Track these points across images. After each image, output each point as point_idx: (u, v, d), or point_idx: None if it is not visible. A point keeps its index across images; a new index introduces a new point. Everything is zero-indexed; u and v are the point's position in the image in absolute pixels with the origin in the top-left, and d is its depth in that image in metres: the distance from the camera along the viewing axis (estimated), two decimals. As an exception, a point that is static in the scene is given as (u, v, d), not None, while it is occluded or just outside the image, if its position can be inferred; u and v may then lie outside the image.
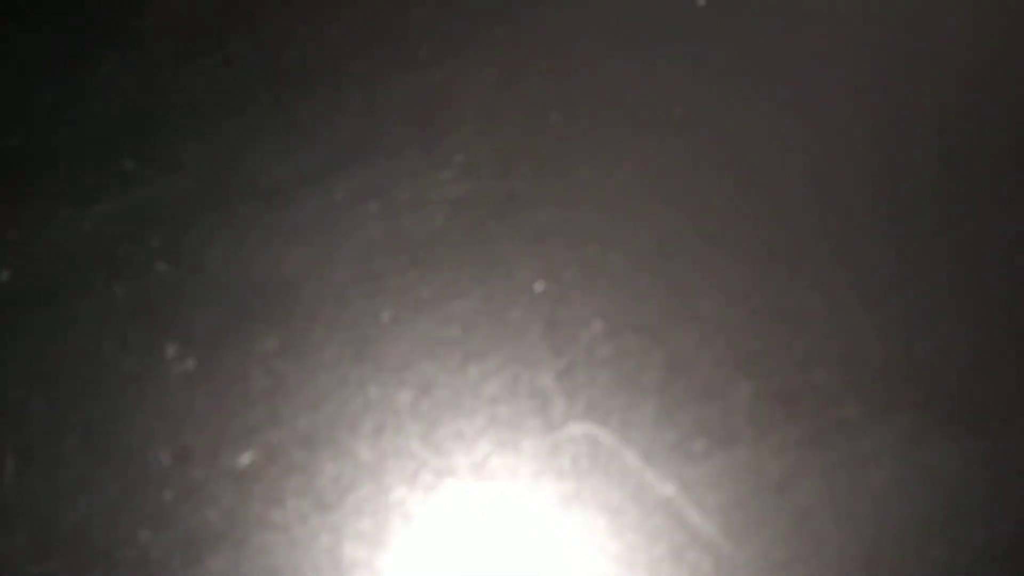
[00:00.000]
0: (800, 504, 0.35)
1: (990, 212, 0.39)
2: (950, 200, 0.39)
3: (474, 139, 0.42)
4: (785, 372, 0.36)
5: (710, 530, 0.34)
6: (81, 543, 0.35)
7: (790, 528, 0.34)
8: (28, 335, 0.39)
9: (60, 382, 0.38)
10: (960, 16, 0.44)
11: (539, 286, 0.39)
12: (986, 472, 0.35)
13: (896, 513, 0.35)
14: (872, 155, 0.40)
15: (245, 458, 0.36)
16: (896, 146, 0.41)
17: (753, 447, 0.35)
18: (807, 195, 0.40)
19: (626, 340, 0.37)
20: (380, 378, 0.37)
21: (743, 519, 0.34)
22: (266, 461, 0.36)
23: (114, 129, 0.43)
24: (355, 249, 0.40)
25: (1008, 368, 0.36)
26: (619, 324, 0.38)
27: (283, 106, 0.43)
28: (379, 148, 0.42)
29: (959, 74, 0.42)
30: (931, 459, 0.35)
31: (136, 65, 0.44)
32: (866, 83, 0.43)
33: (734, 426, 0.35)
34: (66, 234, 0.40)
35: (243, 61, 0.44)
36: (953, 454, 0.35)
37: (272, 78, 0.43)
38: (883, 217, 0.39)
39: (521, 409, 0.37)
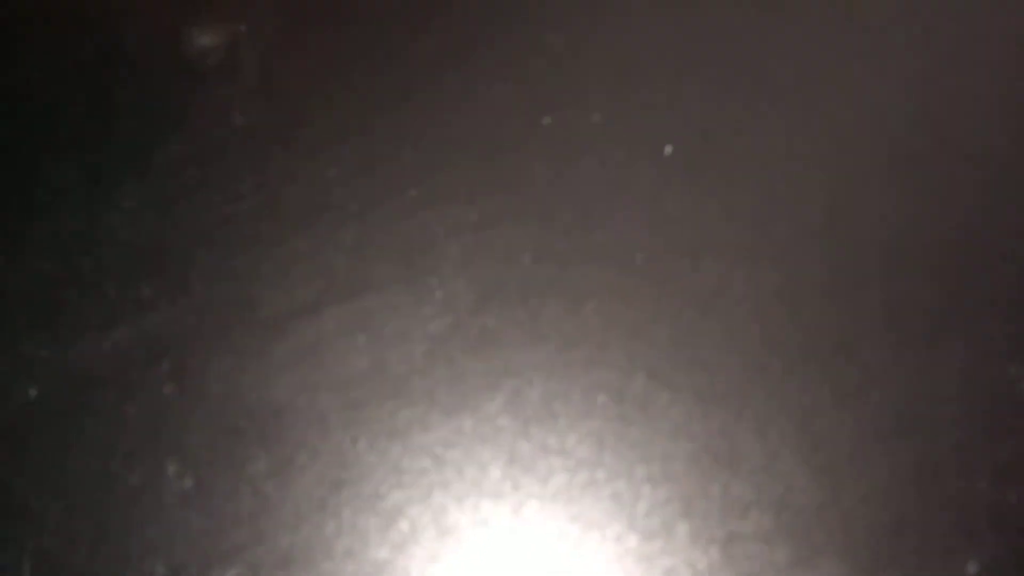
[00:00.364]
0: (730, 638, 0.38)
1: (915, 371, 0.42)
2: (883, 353, 0.42)
3: (453, 277, 0.46)
4: (722, 515, 0.40)
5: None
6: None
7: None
8: (49, 449, 0.44)
9: (74, 493, 0.43)
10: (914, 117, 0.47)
11: (503, 420, 0.42)
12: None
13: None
14: (812, 303, 0.44)
15: (231, 575, 0.40)
16: (835, 294, 0.44)
17: (689, 582, 0.39)
18: (749, 341, 0.43)
19: (579, 476, 0.41)
20: (353, 504, 0.41)
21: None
22: (250, 577, 0.40)
23: (133, 257, 0.47)
24: (340, 379, 0.44)
25: (931, 518, 0.39)
26: (573, 460, 0.41)
27: (284, 240, 0.47)
28: (369, 283, 0.46)
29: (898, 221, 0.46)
30: (854, 600, 0.38)
31: (154, 198, 0.49)
32: (817, 229, 0.46)
33: (671, 567, 0.39)
34: (87, 357, 0.45)
35: (250, 196, 0.49)
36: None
37: (275, 214, 0.48)
38: (820, 367, 0.42)
39: (484, 538, 0.41)
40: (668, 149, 0.48)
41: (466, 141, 0.50)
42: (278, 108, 0.51)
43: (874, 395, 0.41)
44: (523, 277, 0.46)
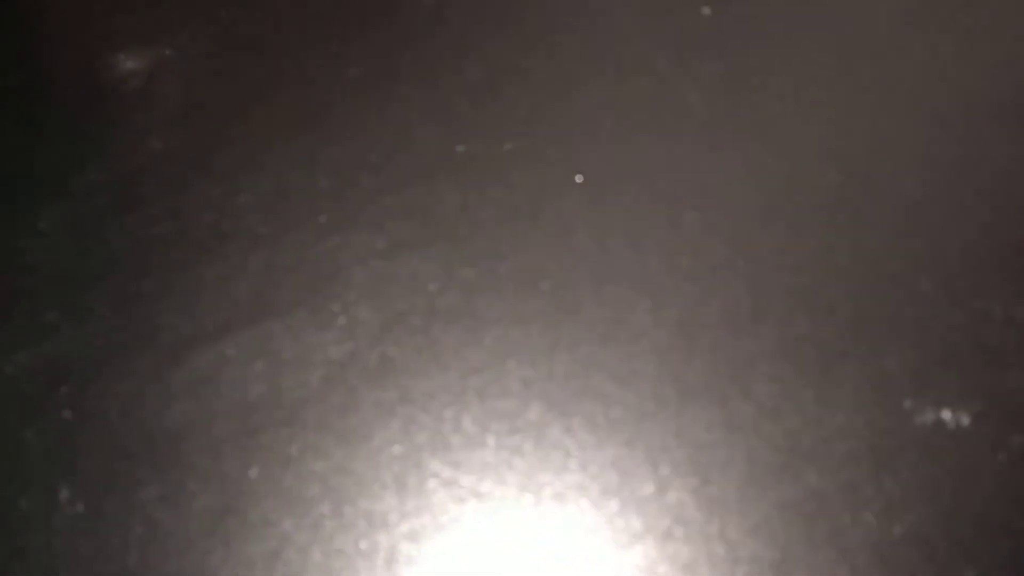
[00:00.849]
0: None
1: (809, 404, 0.41)
2: (777, 386, 0.42)
3: (357, 304, 0.46)
4: (610, 545, 0.39)
5: None
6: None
7: None
8: (-53, 472, 0.44)
9: (-32, 518, 0.43)
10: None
11: (396, 449, 0.42)
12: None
13: None
14: (709, 336, 0.43)
15: (114, 602, 0.40)
16: (733, 327, 0.44)
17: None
18: (646, 372, 0.43)
19: (469, 505, 0.41)
20: (242, 532, 0.41)
21: None
22: (134, 605, 0.40)
23: (43, 281, 0.48)
24: (237, 405, 0.44)
25: (817, 552, 0.39)
26: (464, 489, 0.41)
27: (193, 266, 0.47)
28: (272, 308, 0.46)
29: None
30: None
31: (69, 222, 0.49)
32: (717, 263, 0.46)
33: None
34: (-10, 380, 0.45)
35: (163, 222, 0.49)
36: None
37: (186, 239, 0.48)
38: (715, 400, 0.42)
39: (372, 568, 0.40)
40: (579, 178, 0.48)
41: (379, 168, 0.50)
42: (197, 133, 0.52)
43: (766, 428, 0.41)
44: (427, 305, 0.45)
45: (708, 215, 0.47)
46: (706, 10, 0.53)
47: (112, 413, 0.44)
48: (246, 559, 0.40)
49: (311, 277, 0.47)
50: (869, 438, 0.41)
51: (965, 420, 0.41)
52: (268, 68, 0.54)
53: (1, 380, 0.45)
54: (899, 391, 0.42)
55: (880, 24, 0.53)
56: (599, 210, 0.47)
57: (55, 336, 0.46)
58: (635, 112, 0.50)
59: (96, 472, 0.43)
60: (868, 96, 0.50)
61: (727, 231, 0.46)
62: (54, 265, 0.48)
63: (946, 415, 0.42)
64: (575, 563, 0.39)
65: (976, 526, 0.39)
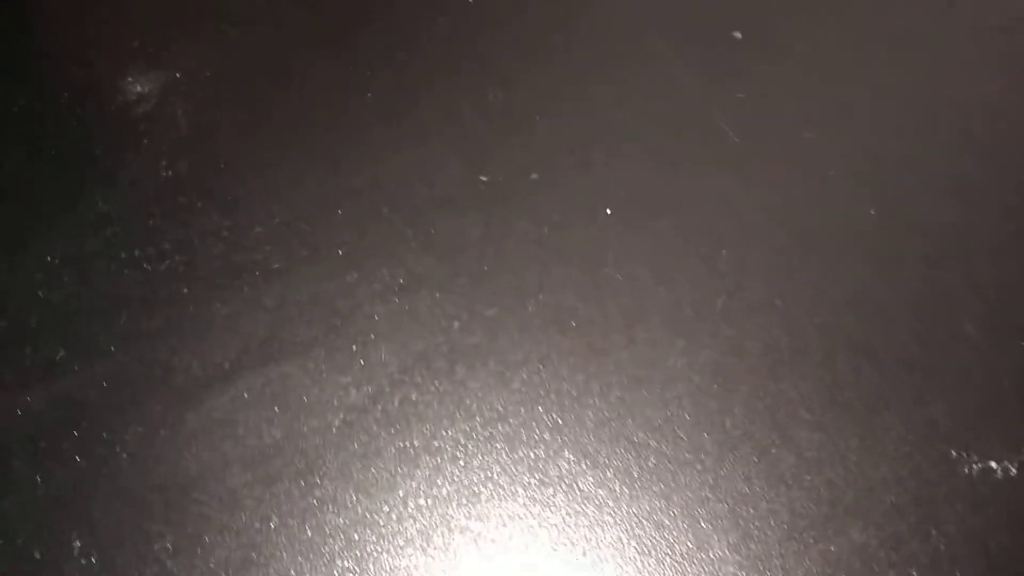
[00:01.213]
0: None
1: (852, 454, 0.40)
2: (819, 435, 0.40)
3: (376, 344, 0.44)
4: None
5: None
6: None
7: None
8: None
9: (-26, 569, 0.41)
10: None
11: (421, 501, 0.40)
12: None
13: None
14: (748, 382, 0.42)
15: (127, 663, 0.38)
16: (773, 372, 0.42)
17: None
18: (682, 420, 0.41)
19: (497, 561, 0.39)
20: (260, 588, 0.39)
21: None
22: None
23: (50, 316, 0.46)
24: (253, 452, 0.42)
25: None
26: (494, 545, 0.39)
27: (204, 301, 0.46)
28: (287, 348, 0.44)
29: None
30: None
31: (75, 254, 0.47)
32: (756, 303, 0.44)
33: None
34: (-3, 421, 0.44)
35: (172, 255, 0.47)
36: None
37: (197, 273, 0.46)
38: (755, 449, 0.40)
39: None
40: (607, 211, 0.46)
41: (397, 198, 0.48)
42: (206, 159, 0.49)
43: (809, 480, 0.39)
44: (450, 346, 0.44)
45: (742, 250, 0.45)
46: (737, 34, 0.51)
47: (124, 459, 0.42)
48: (265, 617, 0.39)
49: (328, 314, 0.45)
50: (914, 489, 0.39)
51: (1013, 469, 0.40)
52: (280, 92, 0.51)
53: (11, 421, 0.43)
54: (944, 440, 0.40)
55: (917, 53, 0.51)
56: (628, 244, 0.46)
57: (64, 375, 0.44)
58: (664, 140, 0.48)
59: (108, 521, 0.41)
60: (904, 127, 0.48)
61: (762, 268, 0.45)
62: (62, 299, 0.46)
63: (993, 464, 0.40)
64: (609, 622, 0.38)
65: (1027, 583, 0.38)
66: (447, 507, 0.40)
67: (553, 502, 0.40)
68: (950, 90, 0.50)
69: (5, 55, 0.54)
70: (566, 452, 0.41)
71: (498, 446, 0.41)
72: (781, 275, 0.44)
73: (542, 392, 0.42)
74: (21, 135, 0.51)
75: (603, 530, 0.39)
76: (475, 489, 0.40)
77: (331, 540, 0.40)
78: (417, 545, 0.39)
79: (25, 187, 0.49)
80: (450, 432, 0.42)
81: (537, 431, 0.41)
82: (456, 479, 0.40)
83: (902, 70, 0.50)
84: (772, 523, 0.39)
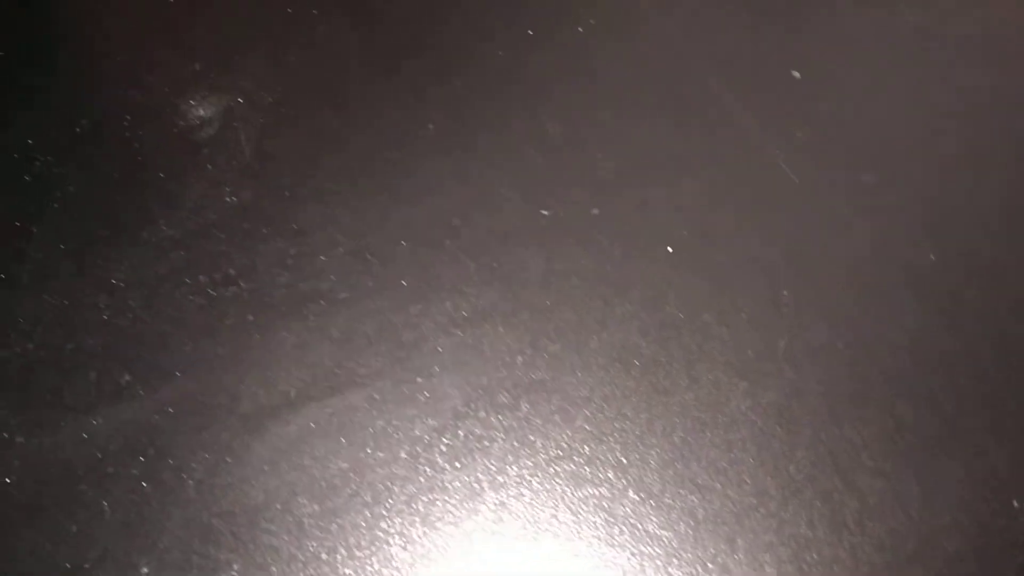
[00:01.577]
0: None
1: (914, 500, 0.40)
2: (881, 480, 0.41)
3: (441, 376, 0.44)
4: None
5: None
6: None
7: None
8: (23, 541, 0.42)
9: (43, 592, 0.41)
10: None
11: (486, 537, 0.41)
12: None
13: None
14: (812, 424, 0.42)
15: None
16: (836, 415, 0.42)
17: None
18: (746, 462, 0.41)
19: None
20: (328, 620, 0.40)
21: None
22: None
23: (116, 340, 0.46)
24: (319, 482, 0.42)
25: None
26: (557, 581, 0.40)
27: (269, 329, 0.46)
28: (353, 379, 0.45)
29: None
30: None
31: (141, 278, 0.47)
32: (820, 345, 0.44)
33: None
34: (65, 445, 0.44)
35: (238, 281, 0.47)
36: None
37: (262, 300, 0.47)
38: (818, 493, 0.41)
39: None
40: (669, 248, 0.47)
41: (459, 230, 0.48)
42: (269, 186, 0.50)
43: (871, 526, 0.40)
44: (513, 380, 0.44)
45: (803, 292, 0.46)
46: (796, 74, 0.51)
47: (190, 486, 0.43)
48: (333, 649, 0.39)
49: (393, 346, 0.45)
50: (976, 538, 0.40)
51: (1073, 520, 0.40)
52: (341, 118, 0.52)
53: (78, 445, 0.44)
54: (1006, 489, 0.41)
55: (980, 97, 0.51)
56: (691, 283, 0.46)
57: (130, 400, 0.45)
58: (725, 178, 0.49)
59: (175, 548, 0.42)
60: (964, 171, 0.49)
61: (823, 310, 0.45)
62: (127, 323, 0.47)
63: (1054, 514, 0.40)
64: (673, 663, 0.38)
65: (1088, 636, 0.38)
66: (513, 544, 0.41)
67: (618, 542, 0.40)
68: (1014, 135, 0.51)
69: (67, 78, 0.54)
70: (631, 492, 0.41)
71: (562, 484, 0.42)
72: (842, 318, 0.45)
73: (606, 430, 0.43)
74: (84, 157, 0.51)
75: (669, 572, 0.40)
76: (541, 527, 0.41)
77: (397, 574, 0.40)
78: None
79: (89, 210, 0.50)
80: (514, 468, 0.42)
81: (602, 470, 0.42)
82: (521, 515, 0.41)
83: (964, 115, 0.51)
84: (835, 569, 0.39)
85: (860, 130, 0.50)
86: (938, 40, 0.53)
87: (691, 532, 0.40)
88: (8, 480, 0.44)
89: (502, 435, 0.43)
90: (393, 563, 0.40)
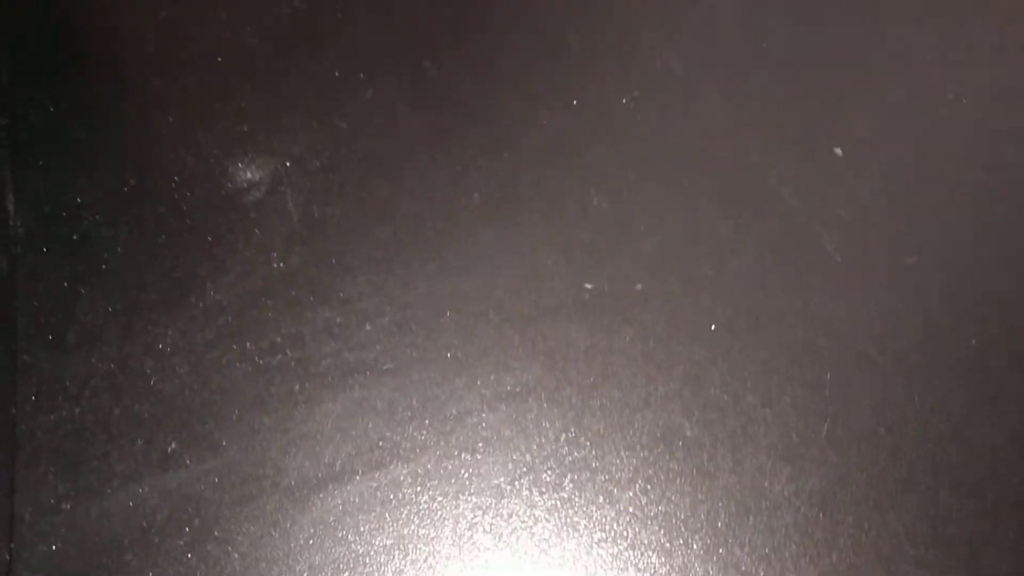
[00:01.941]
0: None
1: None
2: (924, 571, 0.41)
3: (485, 451, 0.45)
4: None
5: None
6: None
7: None
8: (66, 610, 0.43)
9: (88, 663, 0.42)
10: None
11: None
12: None
13: None
14: (854, 512, 0.42)
15: None
16: (878, 502, 0.42)
17: None
18: (789, 549, 0.42)
19: None
20: None
21: None
22: None
23: (163, 407, 0.47)
24: (363, 560, 0.43)
25: None
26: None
27: (316, 399, 0.47)
28: (398, 452, 0.45)
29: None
30: None
31: (188, 344, 0.48)
32: (863, 431, 0.45)
33: None
34: (110, 512, 0.45)
35: (284, 349, 0.48)
36: None
37: (309, 370, 0.47)
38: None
39: None
40: (712, 326, 0.47)
41: (505, 303, 0.49)
42: (317, 253, 0.51)
43: (917, 620, 0.40)
44: (558, 459, 0.44)
45: (846, 375, 0.46)
46: (838, 150, 0.52)
47: (235, 559, 0.43)
48: None
49: (437, 420, 0.46)
50: (1020, 635, 0.40)
51: (1116, 616, 0.40)
52: (389, 186, 0.53)
53: (124, 514, 0.45)
54: (1051, 585, 0.41)
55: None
56: (735, 362, 0.46)
57: (177, 469, 0.45)
58: (768, 256, 0.49)
59: (220, 622, 0.42)
60: (1008, 258, 0.49)
61: (866, 394, 0.45)
62: (173, 390, 0.47)
63: (1097, 610, 0.40)
64: None
65: None
66: (556, 626, 0.41)
67: (663, 629, 0.40)
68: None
69: (115, 135, 0.55)
70: (675, 577, 0.41)
71: (606, 567, 0.42)
72: (886, 403, 0.45)
73: (650, 514, 0.43)
74: (132, 217, 0.52)
75: (712, 660, 0.40)
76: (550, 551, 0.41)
77: (442, 654, 0.41)
78: (525, 663, 0.40)
79: (135, 271, 0.50)
80: (557, 550, 0.42)
81: (645, 555, 0.42)
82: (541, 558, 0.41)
83: (1010, 196, 0.51)
84: (879, 662, 0.39)
85: (903, 210, 0.51)
86: (984, 121, 0.53)
87: (735, 621, 0.40)
88: (55, 547, 0.44)
89: (546, 515, 0.43)
90: (437, 644, 0.41)
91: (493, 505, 0.44)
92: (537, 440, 0.45)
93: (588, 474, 0.44)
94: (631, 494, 0.43)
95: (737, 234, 0.50)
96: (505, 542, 0.43)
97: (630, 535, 0.42)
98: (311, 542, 0.43)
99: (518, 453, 0.45)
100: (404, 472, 0.45)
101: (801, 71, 0.55)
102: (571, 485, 0.44)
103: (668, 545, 0.42)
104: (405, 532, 0.43)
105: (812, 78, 0.54)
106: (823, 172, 0.52)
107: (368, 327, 0.48)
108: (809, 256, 0.49)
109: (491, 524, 0.43)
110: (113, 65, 0.59)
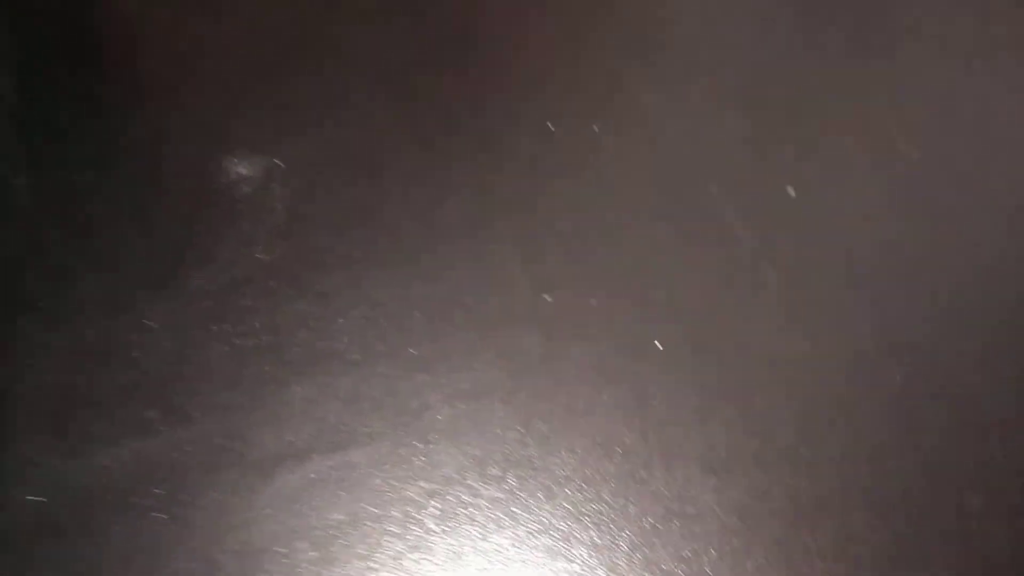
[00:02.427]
0: None
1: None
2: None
3: (437, 444, 0.48)
4: None
5: None
6: None
7: None
8: (40, 560, 0.46)
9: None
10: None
11: (464, 597, 0.45)
12: None
13: None
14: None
15: None
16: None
17: None
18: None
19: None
20: (313, 661, 0.43)
21: None
22: None
23: (147, 378, 0.50)
24: (318, 530, 0.46)
25: None
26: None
27: (285, 382, 0.50)
28: (357, 437, 0.49)
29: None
30: None
31: (172, 323, 0.52)
32: (784, 447, 0.48)
33: None
34: (89, 470, 0.48)
35: (260, 335, 0.51)
36: None
37: (281, 356, 0.51)
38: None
39: None
40: (658, 345, 0.51)
41: (470, 308, 0.52)
42: (299, 249, 0.54)
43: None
44: (504, 455, 0.48)
45: (776, 399, 0.49)
46: (791, 191, 0.56)
47: (200, 523, 0.47)
48: None
49: (396, 412, 0.49)
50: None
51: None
52: (372, 188, 0.56)
53: (96, 470, 0.48)
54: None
55: (976, 232, 0.55)
56: (675, 380, 0.50)
57: (153, 436, 0.49)
58: (716, 285, 0.53)
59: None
60: (937, 300, 0.53)
61: (793, 418, 0.49)
62: (156, 363, 0.51)
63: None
64: None
65: None
66: (488, 607, 0.44)
67: (584, 616, 0.44)
68: (991, 260, 0.55)
69: (118, 127, 0.59)
70: (600, 571, 0.45)
71: (540, 556, 0.45)
72: (809, 427, 0.49)
73: (584, 511, 0.46)
74: (122, 201, 0.56)
75: (626, 648, 0.43)
76: None
77: (381, 624, 0.44)
78: (457, 639, 0.44)
79: (129, 255, 0.54)
80: (496, 537, 0.46)
81: (575, 548, 0.46)
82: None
83: (944, 240, 0.55)
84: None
85: (847, 250, 0.54)
86: (933, 176, 0.57)
87: (651, 614, 0.44)
88: (31, 500, 0.47)
89: (488, 504, 0.47)
90: (377, 614, 0.44)
91: (440, 492, 0.47)
92: (487, 436, 0.49)
93: (531, 471, 0.48)
94: (568, 491, 0.47)
95: (686, 262, 0.54)
96: (448, 526, 0.46)
97: (564, 529, 0.46)
98: (270, 512, 0.47)
99: (468, 447, 0.48)
100: (360, 455, 0.48)
101: (766, 109, 0.59)
102: (514, 479, 0.47)
103: (598, 541, 0.46)
104: (356, 510, 0.47)
105: (774, 117, 0.59)
106: (775, 209, 0.56)
107: (340, 320, 0.52)
108: (755, 288, 0.53)
109: (437, 509, 0.47)
110: (114, 55, 0.63)
